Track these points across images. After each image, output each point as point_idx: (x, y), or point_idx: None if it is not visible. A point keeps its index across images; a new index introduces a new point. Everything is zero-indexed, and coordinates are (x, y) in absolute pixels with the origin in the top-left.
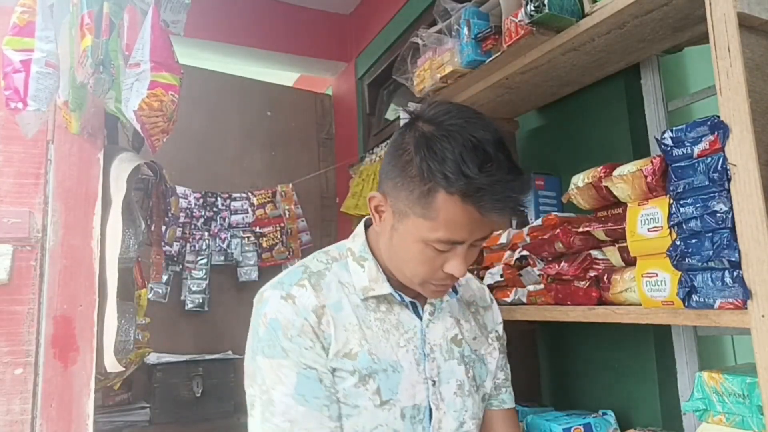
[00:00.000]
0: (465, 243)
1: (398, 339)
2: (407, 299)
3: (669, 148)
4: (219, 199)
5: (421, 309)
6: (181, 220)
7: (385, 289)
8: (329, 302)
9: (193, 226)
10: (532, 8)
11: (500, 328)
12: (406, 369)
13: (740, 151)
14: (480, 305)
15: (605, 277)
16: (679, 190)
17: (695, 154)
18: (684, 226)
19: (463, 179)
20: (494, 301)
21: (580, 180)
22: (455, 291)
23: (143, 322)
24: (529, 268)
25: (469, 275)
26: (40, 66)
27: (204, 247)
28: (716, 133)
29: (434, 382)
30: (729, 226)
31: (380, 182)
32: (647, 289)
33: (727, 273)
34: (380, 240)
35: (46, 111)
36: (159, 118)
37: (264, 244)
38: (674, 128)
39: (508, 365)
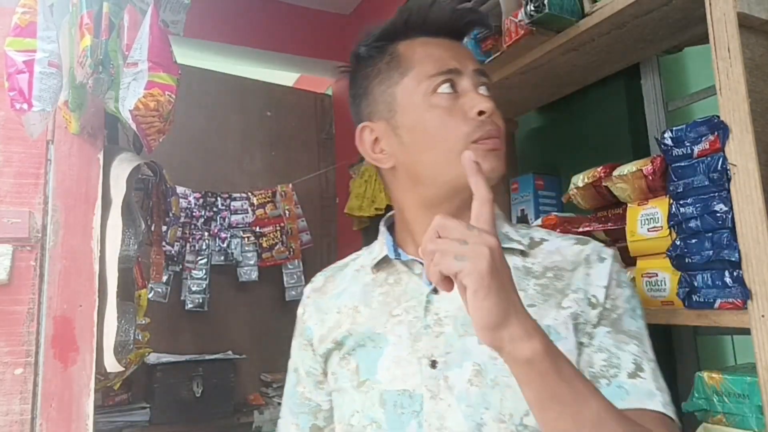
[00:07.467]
0: (462, 73)
1: (394, 309)
2: (408, 257)
3: (669, 148)
4: (219, 199)
5: None
6: (181, 220)
7: (384, 251)
8: (334, 292)
9: (193, 226)
10: (532, 8)
11: (600, 292)
12: (391, 343)
13: (740, 151)
14: (566, 268)
15: None
16: (679, 190)
17: (695, 154)
18: (684, 226)
19: (402, 15)
20: (604, 262)
21: (580, 180)
22: (523, 254)
23: (143, 322)
24: None
25: (575, 239)
26: (43, 66)
27: (204, 247)
28: (716, 133)
29: (433, 363)
30: (729, 226)
31: (357, 117)
32: (647, 289)
33: (727, 273)
34: (398, 185)
35: (51, 111)
36: (155, 118)
37: (264, 244)
38: (674, 128)
39: (623, 342)
